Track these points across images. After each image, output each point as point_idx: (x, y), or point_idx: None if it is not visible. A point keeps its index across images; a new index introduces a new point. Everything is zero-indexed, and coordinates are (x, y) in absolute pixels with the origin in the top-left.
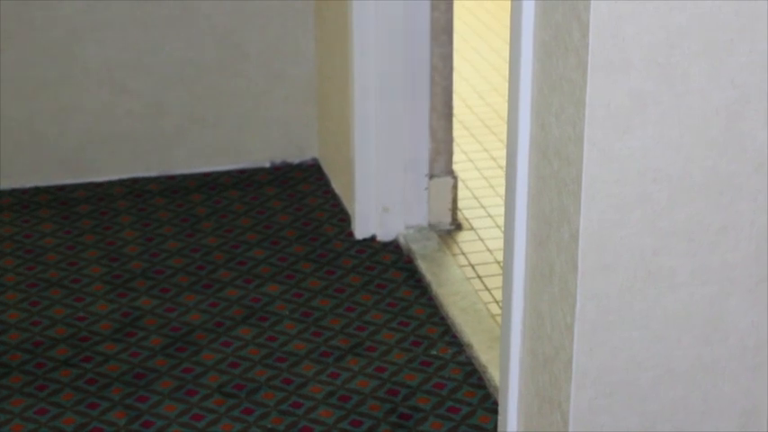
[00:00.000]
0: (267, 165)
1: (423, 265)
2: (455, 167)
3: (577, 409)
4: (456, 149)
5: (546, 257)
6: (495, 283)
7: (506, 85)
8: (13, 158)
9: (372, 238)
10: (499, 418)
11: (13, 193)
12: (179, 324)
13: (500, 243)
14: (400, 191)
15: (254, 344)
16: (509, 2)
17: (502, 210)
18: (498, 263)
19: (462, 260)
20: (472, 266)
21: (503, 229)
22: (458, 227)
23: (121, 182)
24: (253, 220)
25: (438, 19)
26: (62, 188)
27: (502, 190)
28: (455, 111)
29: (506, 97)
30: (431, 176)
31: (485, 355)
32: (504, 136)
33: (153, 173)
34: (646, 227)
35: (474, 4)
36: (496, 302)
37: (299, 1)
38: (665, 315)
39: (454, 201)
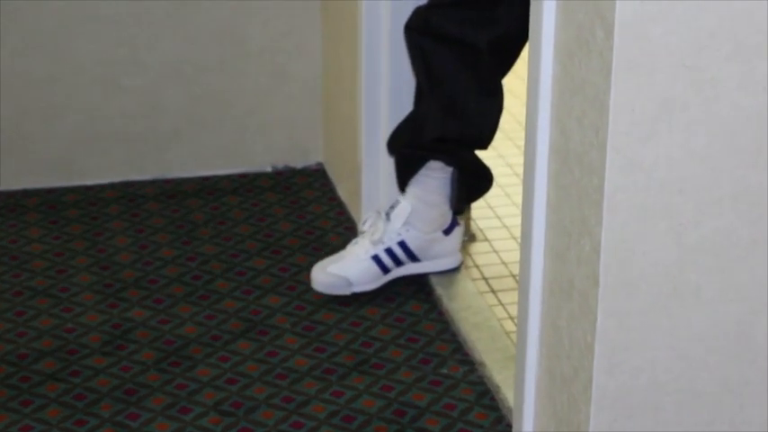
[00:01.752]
0: (269, 169)
1: (433, 278)
2: None
3: None
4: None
5: (565, 271)
6: (511, 298)
7: (524, 87)
8: None
9: None
10: None
11: None
12: (173, 337)
13: (516, 255)
14: None
15: (252, 359)
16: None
17: (518, 220)
18: (514, 276)
19: (475, 273)
20: (486, 280)
21: (519, 240)
22: (471, 238)
23: (113, 185)
24: (253, 227)
25: None
26: (51, 191)
27: (518, 199)
28: None
29: (524, 101)
30: None
31: (498, 374)
32: (521, 142)
33: (147, 176)
34: (671, 240)
35: None
36: (511, 319)
37: None
38: (691, 334)
39: (467, 210)
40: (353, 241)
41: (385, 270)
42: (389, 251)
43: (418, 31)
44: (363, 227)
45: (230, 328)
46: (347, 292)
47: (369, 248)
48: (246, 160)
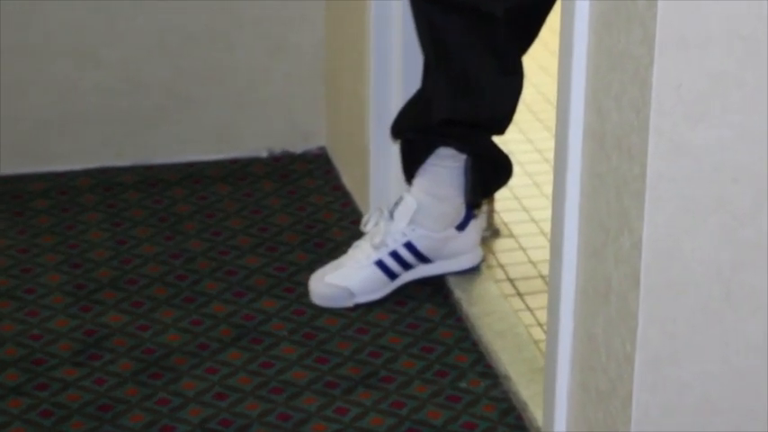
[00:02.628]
0: (264, 154)
1: (451, 280)
2: None
3: None
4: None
5: (601, 271)
6: (539, 301)
7: (555, 62)
8: None
9: None
10: None
11: None
12: (154, 345)
13: (545, 253)
14: None
15: (244, 371)
16: None
17: (548, 213)
18: (543, 278)
19: (499, 273)
20: (511, 281)
21: (549, 236)
22: (494, 233)
23: (88, 172)
24: (246, 220)
25: None
26: (16, 179)
27: (548, 189)
28: None
29: (555, 77)
30: None
31: (525, 389)
32: (551, 123)
33: (126, 162)
34: (724, 236)
35: None
36: (540, 326)
37: None
38: (747, 344)
39: (490, 201)
40: (355, 244)
41: (392, 276)
42: (395, 254)
43: None
44: (365, 227)
45: (219, 335)
46: (350, 303)
47: (371, 253)
48: (239, 144)
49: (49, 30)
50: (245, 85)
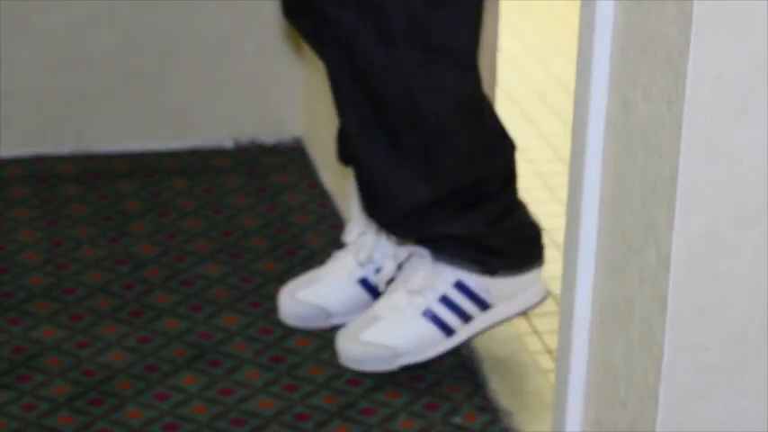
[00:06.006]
0: (229, 144)
1: None
2: None
3: None
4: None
5: (622, 291)
6: (549, 324)
7: (575, 43)
8: None
9: None
10: None
11: None
12: (94, 366)
13: (557, 268)
14: None
15: (200, 398)
16: None
17: (561, 221)
18: (554, 297)
19: None
20: None
21: (561, 248)
22: None
23: (19, 161)
24: (205, 221)
25: None
26: None
27: (562, 193)
28: (500, 77)
29: (574, 62)
30: None
31: (530, 426)
32: (568, 116)
33: (65, 149)
34: (767, 252)
35: None
36: (549, 353)
37: None
38: None
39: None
40: (335, 256)
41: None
42: (381, 272)
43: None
44: (348, 237)
45: (171, 355)
46: (326, 324)
47: (354, 269)
48: (199, 131)
49: None
50: (207, 60)
